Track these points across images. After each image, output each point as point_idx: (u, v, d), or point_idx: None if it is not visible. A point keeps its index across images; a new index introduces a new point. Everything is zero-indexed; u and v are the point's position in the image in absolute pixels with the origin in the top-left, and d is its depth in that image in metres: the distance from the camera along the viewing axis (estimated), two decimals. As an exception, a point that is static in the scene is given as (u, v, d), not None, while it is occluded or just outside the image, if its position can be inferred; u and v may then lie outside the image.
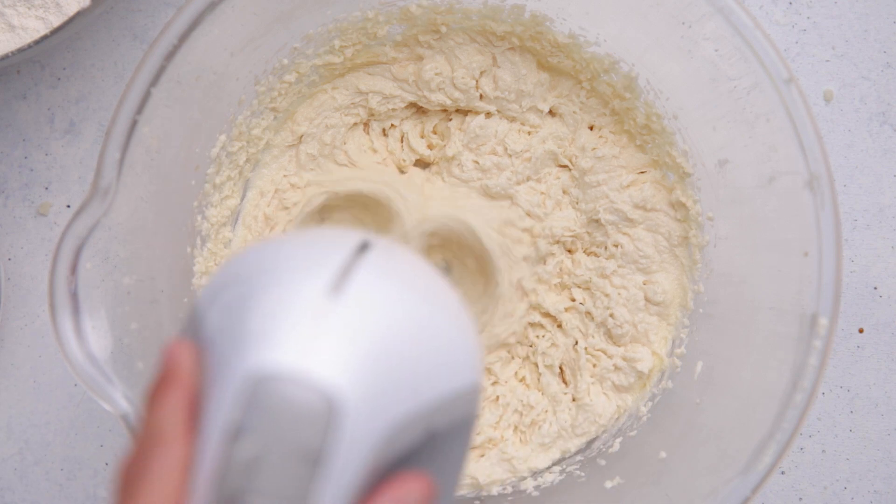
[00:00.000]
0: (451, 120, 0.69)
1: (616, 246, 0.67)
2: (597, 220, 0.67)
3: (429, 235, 0.67)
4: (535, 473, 0.66)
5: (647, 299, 0.66)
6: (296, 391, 0.36)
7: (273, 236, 0.55)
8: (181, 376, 0.38)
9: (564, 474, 0.65)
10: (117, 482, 0.38)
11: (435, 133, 0.69)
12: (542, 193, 0.68)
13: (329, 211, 0.69)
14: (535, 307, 0.68)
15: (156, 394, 0.38)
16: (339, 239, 0.41)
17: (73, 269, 0.53)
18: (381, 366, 0.38)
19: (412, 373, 0.39)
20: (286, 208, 0.69)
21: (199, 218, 0.64)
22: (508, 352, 0.68)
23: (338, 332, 0.38)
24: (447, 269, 0.70)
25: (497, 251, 0.67)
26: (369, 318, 0.39)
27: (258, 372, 0.37)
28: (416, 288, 0.41)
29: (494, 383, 0.68)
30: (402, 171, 0.69)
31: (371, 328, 0.38)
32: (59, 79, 0.71)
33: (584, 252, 0.68)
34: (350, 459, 0.37)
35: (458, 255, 0.69)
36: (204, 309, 0.40)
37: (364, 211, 0.68)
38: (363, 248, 0.41)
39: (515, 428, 0.67)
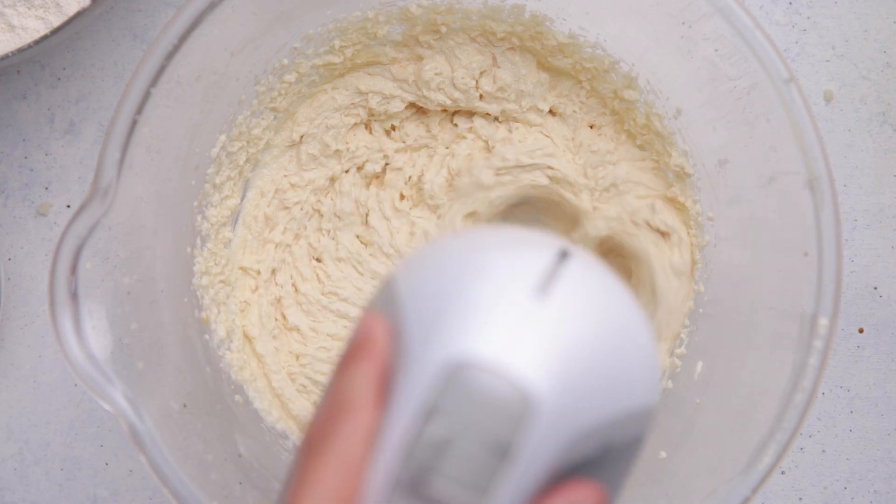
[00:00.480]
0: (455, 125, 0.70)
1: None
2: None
3: (601, 240, 0.67)
4: None
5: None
6: (495, 382, 0.37)
7: (474, 230, 0.55)
8: (374, 349, 0.39)
9: (564, 474, 0.65)
10: (303, 443, 0.39)
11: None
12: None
13: (511, 208, 0.69)
14: None
15: (347, 362, 0.39)
16: (542, 243, 0.42)
17: (73, 269, 0.53)
18: (577, 372, 0.39)
19: (602, 384, 0.39)
20: (286, 208, 0.69)
21: (199, 218, 0.64)
22: None
23: (541, 333, 0.38)
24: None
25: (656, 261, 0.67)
26: (570, 325, 0.39)
27: (460, 358, 0.37)
28: (612, 302, 0.42)
29: None
30: None
31: (571, 334, 0.39)
32: (59, 79, 0.71)
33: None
34: (536, 457, 0.37)
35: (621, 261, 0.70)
36: (404, 288, 0.41)
37: (542, 212, 0.69)
38: (563, 255, 0.41)
39: None
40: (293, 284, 0.70)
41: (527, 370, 0.38)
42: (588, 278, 0.41)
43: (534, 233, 0.44)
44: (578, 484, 0.39)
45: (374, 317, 0.40)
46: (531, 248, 0.42)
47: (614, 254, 0.69)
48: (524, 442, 0.37)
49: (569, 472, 0.39)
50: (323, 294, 0.70)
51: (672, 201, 0.66)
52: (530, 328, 0.38)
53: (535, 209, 0.70)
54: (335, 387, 0.39)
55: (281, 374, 0.68)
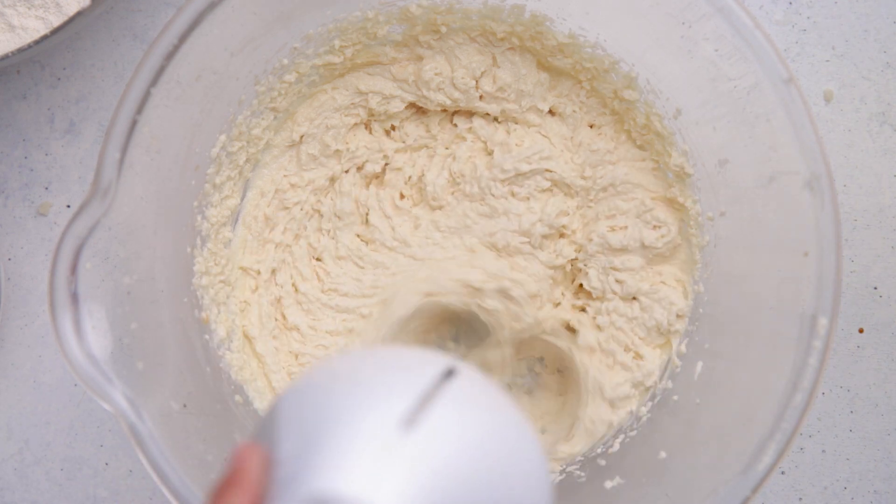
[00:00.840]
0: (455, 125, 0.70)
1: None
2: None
3: (519, 343, 0.68)
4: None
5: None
6: None
7: (362, 349, 0.56)
8: (248, 481, 0.40)
9: (564, 474, 0.65)
10: None
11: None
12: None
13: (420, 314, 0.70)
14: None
15: (222, 492, 0.40)
16: (425, 364, 0.42)
17: (73, 269, 0.53)
18: (447, 501, 0.39)
19: None
20: (286, 208, 0.69)
21: (199, 218, 0.64)
22: None
23: (404, 466, 0.39)
24: (535, 375, 0.70)
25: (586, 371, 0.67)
26: (437, 456, 0.39)
27: (321, 495, 0.38)
28: (494, 424, 0.41)
29: None
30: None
31: (437, 466, 0.39)
32: (59, 79, 0.71)
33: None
34: None
35: (545, 360, 0.70)
36: (283, 415, 0.41)
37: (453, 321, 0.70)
38: (448, 374, 0.41)
39: None
40: (293, 284, 0.70)
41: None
42: (466, 404, 0.41)
43: (422, 353, 0.44)
44: None
45: (252, 446, 0.41)
46: (410, 370, 0.42)
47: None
48: None
49: None
50: (323, 292, 0.70)
51: (671, 202, 0.66)
52: (394, 463, 0.38)
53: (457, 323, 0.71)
54: None
55: (281, 373, 0.68)
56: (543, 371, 0.70)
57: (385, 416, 0.40)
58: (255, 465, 0.40)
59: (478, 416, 0.41)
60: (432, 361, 0.42)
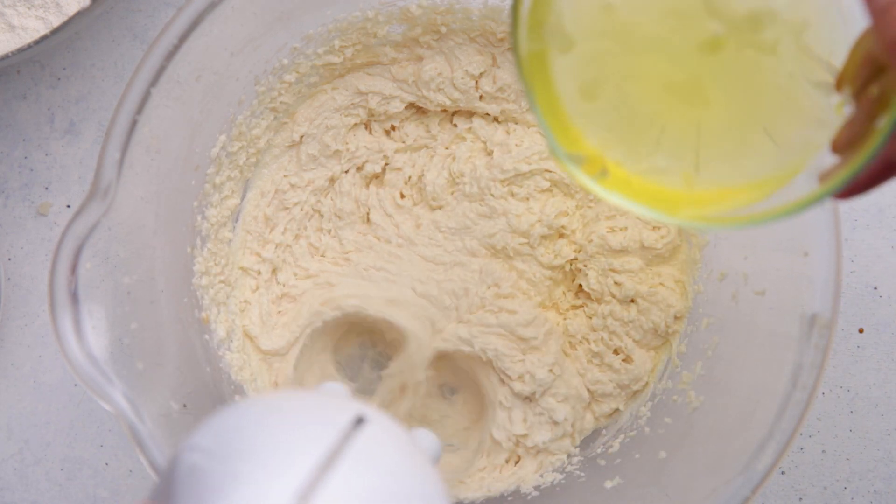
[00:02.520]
0: (455, 125, 0.70)
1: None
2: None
3: (437, 359, 0.68)
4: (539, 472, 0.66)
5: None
6: None
7: (272, 393, 0.54)
8: None
9: (564, 474, 0.65)
10: None
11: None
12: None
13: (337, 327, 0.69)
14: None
15: None
16: (332, 415, 0.41)
17: (73, 269, 0.53)
18: None
19: None
20: (286, 209, 0.69)
21: (199, 218, 0.64)
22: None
23: None
24: (453, 392, 0.70)
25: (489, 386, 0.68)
26: None
27: None
28: (398, 483, 0.40)
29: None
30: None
31: None
32: (59, 79, 0.71)
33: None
34: None
35: (462, 376, 0.70)
36: (179, 477, 0.40)
37: (371, 331, 0.70)
38: (357, 422, 0.40)
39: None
40: (294, 274, 0.70)
41: None
42: (370, 464, 0.40)
43: (331, 400, 0.43)
44: None
45: None
46: (315, 423, 0.40)
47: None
48: None
49: None
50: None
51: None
52: None
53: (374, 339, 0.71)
54: None
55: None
56: (458, 390, 0.71)
57: (280, 489, 0.38)
58: None
59: (383, 472, 0.40)
60: (343, 408, 0.41)
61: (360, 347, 0.71)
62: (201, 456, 0.40)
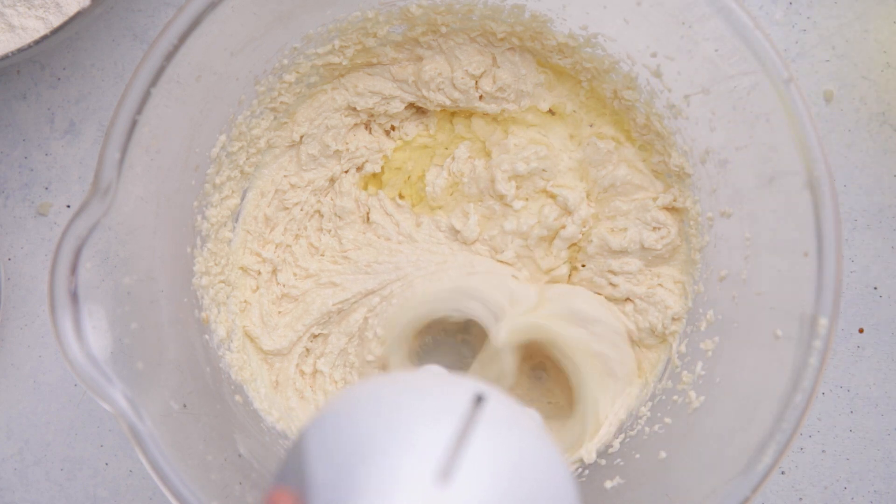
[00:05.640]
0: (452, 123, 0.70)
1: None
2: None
3: (519, 347, 0.67)
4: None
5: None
6: None
7: (386, 377, 0.55)
8: None
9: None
10: None
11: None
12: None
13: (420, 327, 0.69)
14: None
15: None
16: (453, 395, 0.41)
17: (73, 269, 0.53)
18: None
19: None
20: (286, 208, 0.69)
21: (199, 218, 0.64)
22: None
23: None
24: (543, 372, 0.70)
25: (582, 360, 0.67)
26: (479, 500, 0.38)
27: None
28: (524, 460, 0.41)
29: None
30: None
31: None
32: (59, 79, 0.71)
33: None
34: None
35: (548, 359, 0.70)
36: (311, 458, 0.40)
37: (453, 327, 0.69)
38: (476, 402, 0.40)
39: None
40: (294, 274, 0.70)
41: None
42: (499, 435, 0.40)
43: (446, 378, 0.43)
44: None
45: (282, 493, 0.39)
46: (439, 405, 0.40)
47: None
48: None
49: None
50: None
51: (671, 202, 0.66)
52: None
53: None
54: None
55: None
56: (547, 377, 0.70)
57: (420, 466, 0.38)
58: None
59: (510, 447, 0.40)
60: (459, 387, 0.41)
61: (434, 339, 0.70)
62: (333, 432, 0.40)
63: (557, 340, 0.66)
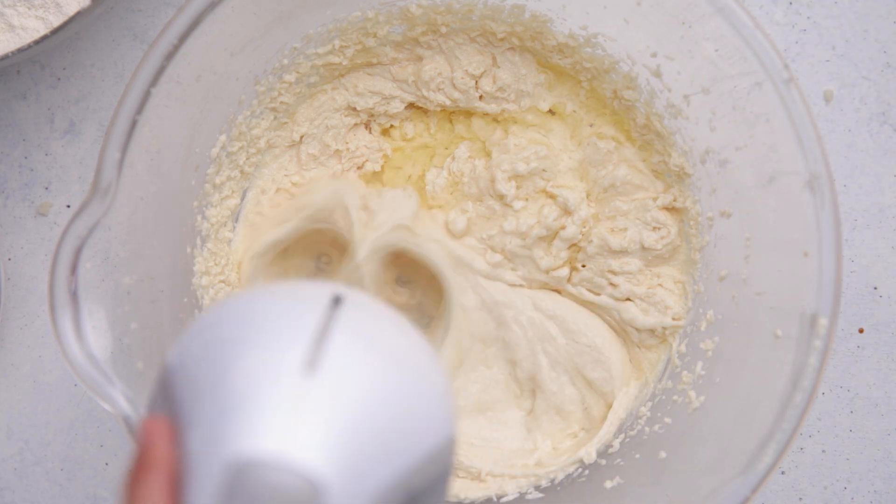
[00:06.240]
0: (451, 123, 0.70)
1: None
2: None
3: (381, 257, 0.67)
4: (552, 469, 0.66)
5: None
6: (278, 477, 0.36)
7: (240, 291, 0.54)
8: (158, 459, 0.38)
9: (564, 474, 0.65)
10: None
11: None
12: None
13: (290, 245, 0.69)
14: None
15: (134, 479, 0.38)
16: (311, 296, 0.41)
17: (73, 269, 0.53)
18: (360, 440, 0.38)
19: (390, 441, 0.39)
20: (286, 208, 0.70)
21: (199, 218, 0.64)
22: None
23: (315, 413, 0.38)
24: (407, 284, 0.70)
25: (448, 270, 0.67)
26: (345, 394, 0.38)
27: (238, 459, 0.37)
28: (390, 350, 0.41)
29: None
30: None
31: (348, 403, 0.38)
32: (59, 79, 0.71)
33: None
34: None
35: (411, 271, 0.70)
36: (176, 378, 0.40)
37: (319, 235, 0.69)
38: (335, 302, 0.40)
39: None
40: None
41: (308, 455, 0.37)
42: (361, 332, 0.40)
43: (305, 285, 0.43)
44: None
45: (154, 420, 0.39)
46: (298, 307, 0.40)
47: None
48: None
49: None
50: None
51: (671, 202, 0.66)
52: (304, 409, 0.37)
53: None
54: None
55: None
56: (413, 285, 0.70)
57: (285, 360, 0.38)
58: (162, 441, 0.38)
59: (374, 349, 0.40)
60: (318, 292, 0.41)
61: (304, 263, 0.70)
62: (192, 348, 0.40)
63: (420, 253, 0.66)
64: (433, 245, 0.67)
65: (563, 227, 0.68)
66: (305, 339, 0.39)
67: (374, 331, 0.41)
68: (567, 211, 0.67)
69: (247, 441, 0.37)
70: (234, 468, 0.36)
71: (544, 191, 0.68)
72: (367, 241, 0.66)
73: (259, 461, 0.36)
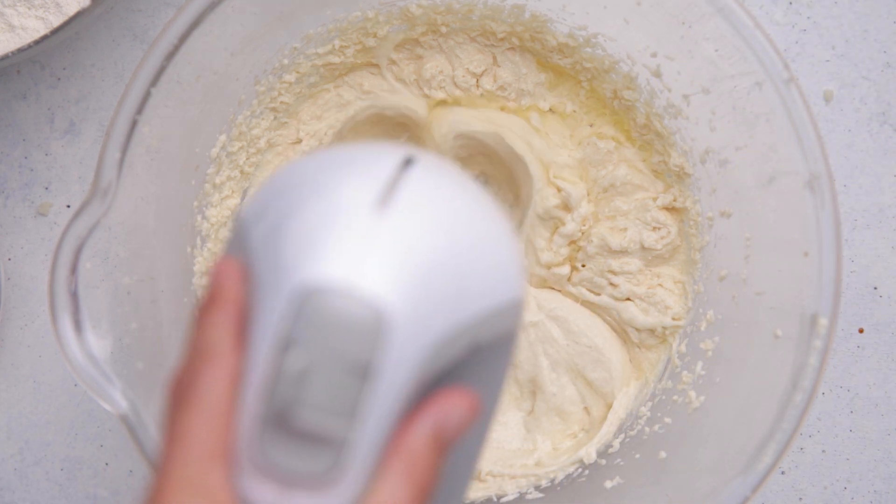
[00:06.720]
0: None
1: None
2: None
3: (459, 147, 0.67)
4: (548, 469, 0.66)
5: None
6: (346, 304, 0.37)
7: (316, 152, 0.54)
8: (228, 293, 0.39)
9: (564, 474, 0.65)
10: (168, 400, 0.38)
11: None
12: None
13: (359, 129, 0.69)
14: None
15: (204, 312, 0.39)
16: (384, 153, 0.41)
17: (73, 269, 0.53)
18: (429, 279, 0.38)
19: (458, 286, 0.39)
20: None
21: (199, 218, 0.64)
22: None
23: (386, 247, 0.38)
24: (484, 181, 0.69)
25: (531, 158, 0.66)
26: (417, 232, 0.39)
27: (308, 286, 0.37)
28: (462, 202, 0.41)
29: None
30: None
31: (419, 242, 0.39)
32: (59, 79, 0.71)
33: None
34: (398, 373, 0.37)
35: (490, 168, 0.69)
36: (249, 223, 0.40)
37: (394, 127, 0.69)
38: (408, 162, 0.41)
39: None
40: None
41: (375, 286, 0.37)
42: (434, 181, 0.41)
43: (377, 144, 0.43)
44: (448, 392, 0.39)
45: (226, 261, 0.40)
46: (371, 159, 0.41)
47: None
48: (383, 359, 0.37)
49: (440, 379, 0.39)
50: None
51: (671, 202, 0.66)
52: (374, 242, 0.38)
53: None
54: (195, 339, 0.39)
55: None
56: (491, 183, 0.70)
57: (357, 199, 0.39)
58: (232, 277, 0.39)
59: (448, 195, 0.41)
60: (391, 150, 0.42)
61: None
62: (268, 200, 0.40)
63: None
64: None
65: (563, 224, 0.68)
66: (379, 184, 0.39)
67: (446, 186, 0.41)
68: (568, 207, 0.67)
69: (317, 268, 0.37)
70: (303, 294, 0.37)
71: (548, 181, 0.68)
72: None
73: (328, 288, 0.37)
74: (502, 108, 0.68)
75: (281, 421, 0.36)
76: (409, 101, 0.67)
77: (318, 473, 0.37)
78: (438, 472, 0.39)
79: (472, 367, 0.40)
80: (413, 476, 0.37)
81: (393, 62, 0.68)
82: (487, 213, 0.41)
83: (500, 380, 0.42)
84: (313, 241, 0.38)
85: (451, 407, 0.39)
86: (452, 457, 0.40)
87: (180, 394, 0.38)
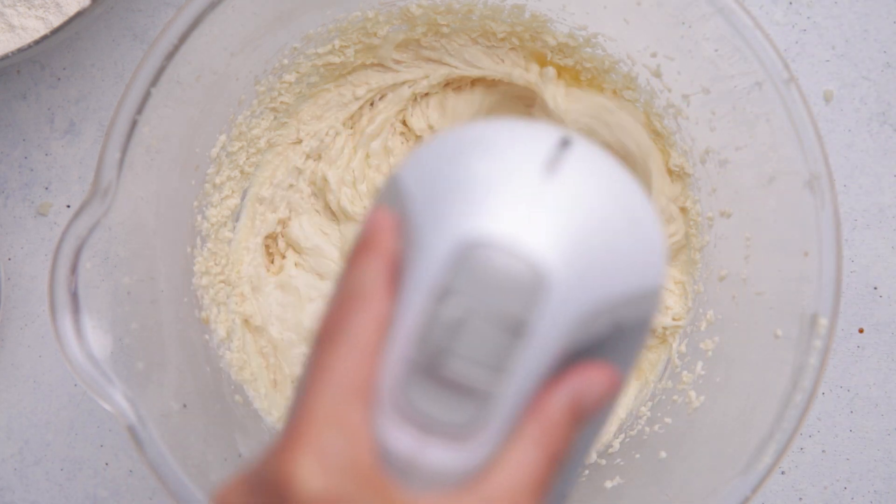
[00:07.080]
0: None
1: None
2: None
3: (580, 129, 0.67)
4: None
5: None
6: (508, 260, 0.37)
7: (473, 122, 0.55)
8: (382, 241, 0.39)
9: (564, 474, 0.65)
10: (316, 335, 0.39)
11: None
12: None
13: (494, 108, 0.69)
14: None
15: (356, 256, 0.39)
16: (543, 128, 0.42)
17: (73, 269, 0.53)
18: (587, 250, 0.38)
19: (613, 263, 0.39)
20: (286, 208, 0.70)
21: (199, 218, 0.64)
22: None
23: (551, 210, 0.38)
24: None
25: (646, 159, 0.66)
26: (580, 203, 0.39)
27: (472, 238, 0.37)
28: (620, 185, 0.41)
29: None
30: None
31: (581, 213, 0.39)
32: (59, 79, 0.71)
33: None
34: (550, 334, 0.37)
35: None
36: (408, 178, 0.40)
37: (515, 102, 0.69)
38: (565, 141, 0.41)
39: None
40: (296, 264, 0.70)
41: (539, 247, 0.37)
42: (591, 161, 0.41)
43: (535, 121, 0.43)
44: (591, 365, 0.39)
45: (381, 210, 0.40)
46: (533, 133, 0.41)
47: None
48: (538, 318, 0.37)
49: (580, 354, 0.39)
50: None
51: (671, 202, 0.66)
52: (540, 206, 0.38)
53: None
54: (346, 281, 0.39)
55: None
56: None
57: (525, 162, 0.39)
58: (385, 227, 0.39)
59: (604, 176, 0.41)
60: (549, 127, 0.42)
61: None
62: (426, 154, 0.41)
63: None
64: None
65: None
66: (544, 153, 0.40)
67: (604, 166, 0.42)
68: None
69: (483, 222, 0.37)
70: (466, 246, 0.37)
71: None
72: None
73: (492, 242, 0.37)
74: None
75: (429, 368, 0.37)
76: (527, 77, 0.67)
77: (458, 424, 0.37)
78: (571, 444, 0.39)
79: (610, 346, 0.40)
80: (547, 443, 0.38)
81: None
82: (641, 199, 0.42)
83: (631, 365, 0.43)
84: (481, 196, 0.38)
85: (592, 380, 0.39)
86: (582, 433, 0.40)
87: (330, 330, 0.38)
